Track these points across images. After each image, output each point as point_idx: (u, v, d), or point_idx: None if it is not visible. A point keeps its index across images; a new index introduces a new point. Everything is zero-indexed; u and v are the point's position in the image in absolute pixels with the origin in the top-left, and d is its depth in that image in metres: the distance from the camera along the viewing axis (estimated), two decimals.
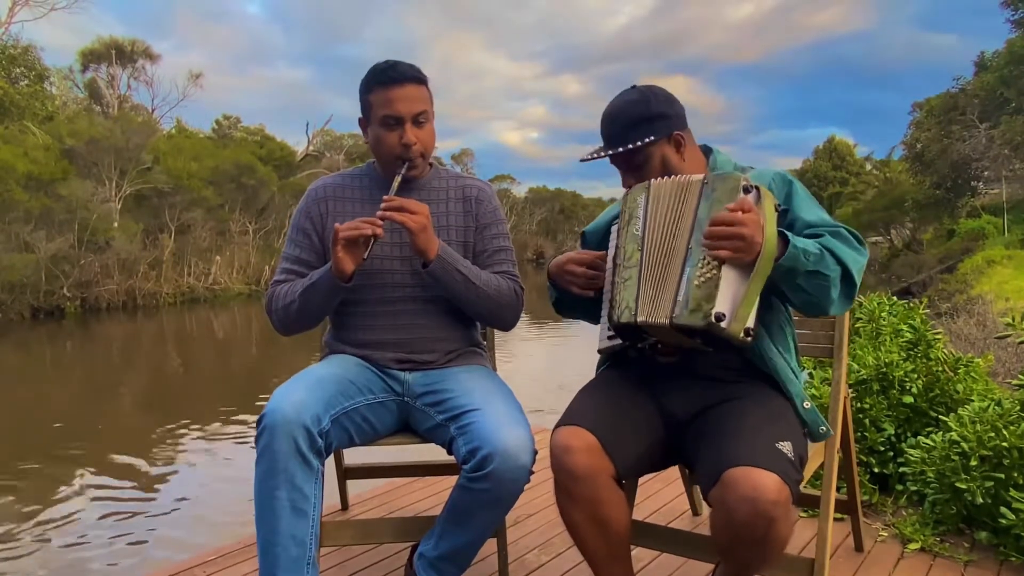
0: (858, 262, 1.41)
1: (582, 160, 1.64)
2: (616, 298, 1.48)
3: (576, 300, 1.65)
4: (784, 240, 1.34)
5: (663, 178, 1.50)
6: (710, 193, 1.40)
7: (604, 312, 1.55)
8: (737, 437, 1.35)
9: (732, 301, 1.33)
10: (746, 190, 1.36)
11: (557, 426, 1.48)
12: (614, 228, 1.59)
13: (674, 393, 1.56)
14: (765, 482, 1.24)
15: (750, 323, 1.33)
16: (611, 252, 1.56)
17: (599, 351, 1.61)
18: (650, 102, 1.55)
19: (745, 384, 1.51)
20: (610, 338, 1.53)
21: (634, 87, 1.60)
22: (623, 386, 1.59)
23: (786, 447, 1.33)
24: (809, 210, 1.50)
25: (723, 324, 1.31)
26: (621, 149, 1.54)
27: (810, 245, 1.36)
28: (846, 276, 1.39)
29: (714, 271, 1.33)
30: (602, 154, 1.57)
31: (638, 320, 1.42)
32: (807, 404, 1.50)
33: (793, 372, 1.55)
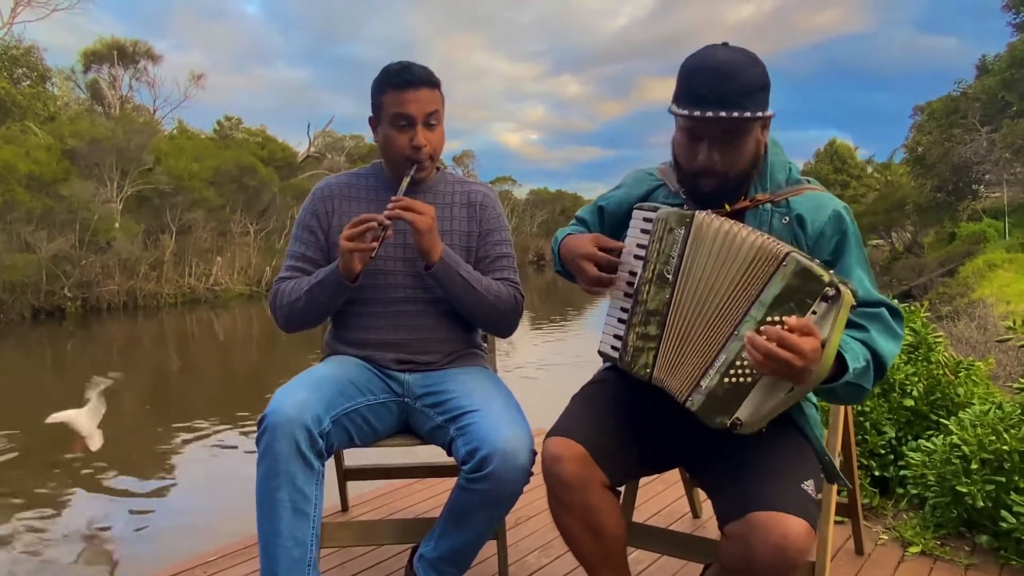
0: (894, 353, 1.33)
1: (673, 111, 1.36)
2: (630, 343, 1.41)
3: None
4: (840, 362, 1.23)
5: (709, 216, 1.33)
6: (782, 284, 1.20)
7: (611, 318, 1.48)
8: (763, 474, 1.31)
9: (755, 410, 1.24)
10: (824, 298, 1.18)
11: (548, 435, 1.46)
12: (637, 215, 1.46)
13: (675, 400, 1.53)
14: (796, 529, 1.21)
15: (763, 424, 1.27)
16: (629, 245, 1.45)
17: (599, 352, 1.55)
18: (762, 68, 1.34)
19: None
20: (614, 348, 1.47)
21: (726, 44, 1.37)
22: (617, 391, 1.56)
23: (810, 486, 1.30)
24: (852, 276, 1.36)
25: (736, 430, 1.26)
26: (737, 115, 1.29)
27: (860, 357, 1.26)
28: (880, 370, 1.31)
29: (749, 379, 1.24)
30: (707, 114, 1.30)
31: (653, 381, 1.38)
32: (827, 458, 1.47)
33: (818, 421, 1.50)
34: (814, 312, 1.19)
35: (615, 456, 1.45)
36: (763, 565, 1.23)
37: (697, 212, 1.36)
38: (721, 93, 1.30)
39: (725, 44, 1.38)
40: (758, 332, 1.17)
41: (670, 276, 1.36)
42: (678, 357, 1.35)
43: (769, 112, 1.32)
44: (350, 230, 1.61)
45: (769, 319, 1.22)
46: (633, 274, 1.43)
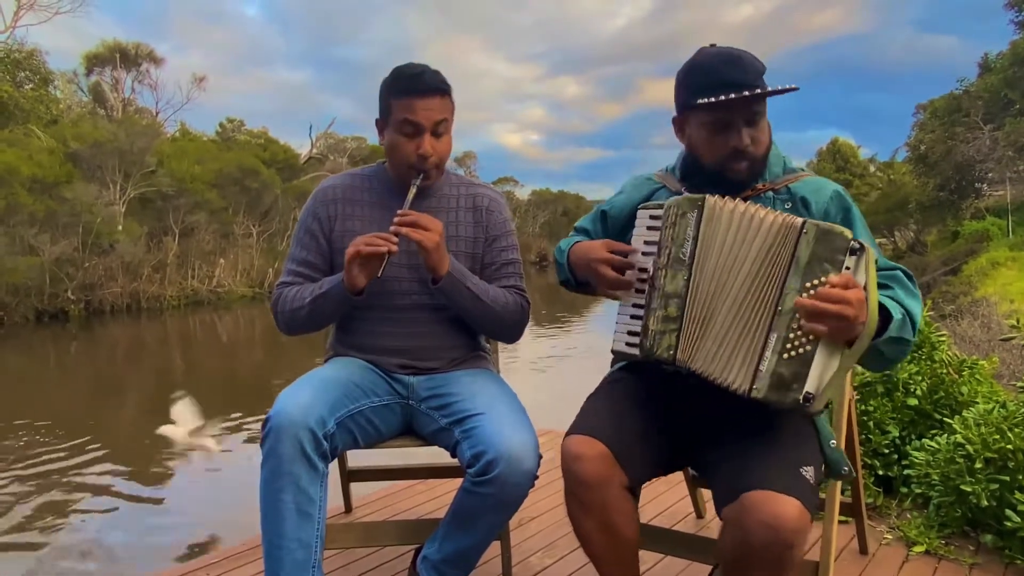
0: (920, 310, 1.37)
1: (700, 104, 1.39)
2: (651, 327, 1.41)
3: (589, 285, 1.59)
4: (883, 314, 1.27)
5: (720, 199, 1.38)
6: (808, 249, 1.26)
7: (623, 316, 1.48)
8: (760, 457, 1.32)
9: (820, 380, 1.26)
10: (852, 251, 1.25)
11: (568, 433, 1.45)
12: (642, 213, 1.48)
13: (690, 399, 1.51)
14: (787, 509, 1.21)
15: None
16: (637, 244, 1.46)
17: (613, 351, 1.53)
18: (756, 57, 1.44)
19: None
20: (629, 345, 1.46)
21: (714, 46, 1.47)
22: (634, 391, 1.55)
23: (809, 472, 1.31)
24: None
25: (809, 405, 1.25)
26: (763, 90, 1.37)
27: (896, 310, 1.30)
28: (913, 326, 1.34)
29: (808, 347, 1.25)
30: (741, 95, 1.36)
31: (676, 362, 1.38)
32: (832, 443, 1.46)
33: (826, 405, 1.50)
34: (847, 268, 1.25)
35: (635, 456, 1.44)
36: (757, 546, 1.23)
37: (707, 195, 1.40)
38: (744, 76, 1.40)
39: (713, 45, 1.48)
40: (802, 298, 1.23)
41: (686, 258, 1.39)
42: (703, 337, 1.37)
43: (794, 86, 1.38)
44: (355, 250, 1.58)
45: (808, 284, 1.26)
46: (643, 271, 1.45)
